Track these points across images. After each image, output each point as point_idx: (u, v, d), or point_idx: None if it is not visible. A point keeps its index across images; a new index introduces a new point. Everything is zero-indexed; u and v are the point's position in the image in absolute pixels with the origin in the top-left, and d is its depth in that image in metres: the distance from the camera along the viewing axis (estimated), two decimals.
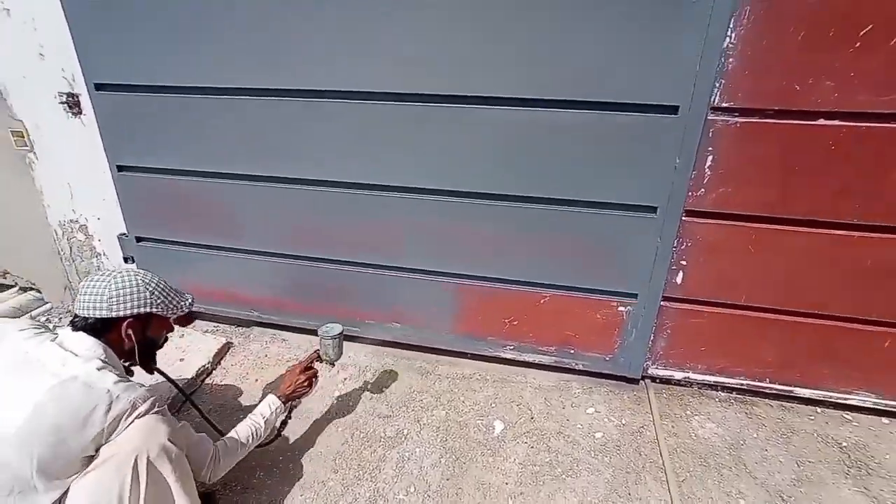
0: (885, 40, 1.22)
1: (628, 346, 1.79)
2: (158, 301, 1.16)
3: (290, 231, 1.92)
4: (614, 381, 1.89)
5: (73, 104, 1.96)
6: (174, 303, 1.21)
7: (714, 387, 1.84)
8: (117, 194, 2.02)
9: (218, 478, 1.25)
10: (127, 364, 1.19)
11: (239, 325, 2.23)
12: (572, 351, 1.85)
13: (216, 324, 2.25)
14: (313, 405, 1.78)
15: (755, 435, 1.66)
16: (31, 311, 2.35)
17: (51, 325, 1.19)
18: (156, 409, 1.06)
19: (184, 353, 1.98)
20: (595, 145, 1.51)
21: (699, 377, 1.82)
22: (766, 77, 1.34)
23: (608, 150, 1.51)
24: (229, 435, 1.32)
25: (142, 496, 0.99)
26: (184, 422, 1.18)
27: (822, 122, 1.36)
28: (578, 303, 1.75)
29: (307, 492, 1.45)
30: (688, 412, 1.76)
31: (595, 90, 1.44)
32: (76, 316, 1.11)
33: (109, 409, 0.98)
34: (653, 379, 1.88)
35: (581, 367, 1.88)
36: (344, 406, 1.78)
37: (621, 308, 1.73)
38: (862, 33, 1.23)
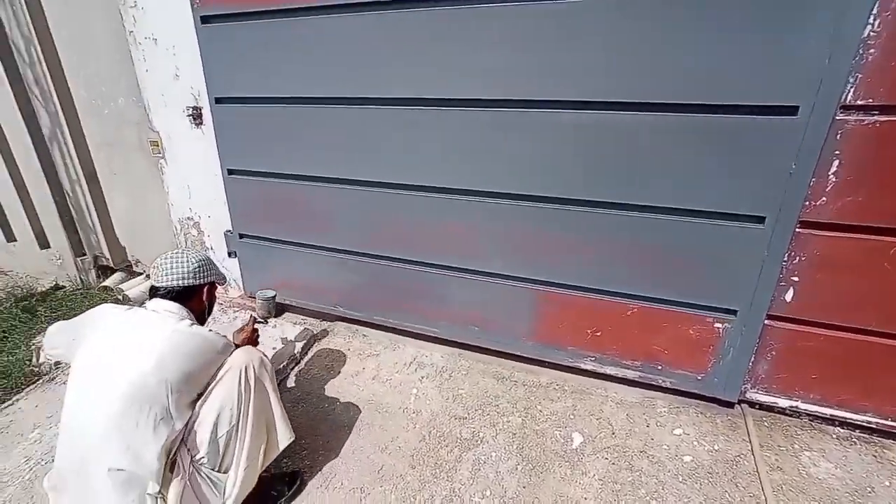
0: None
1: (724, 365, 1.65)
2: (216, 272, 1.41)
3: (375, 232, 2.01)
4: (705, 403, 1.75)
5: (196, 116, 2.23)
6: (222, 273, 1.46)
7: (831, 421, 1.63)
8: (226, 195, 2.26)
9: None
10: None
11: (324, 320, 2.38)
12: (659, 367, 1.74)
13: (304, 317, 2.42)
14: (392, 399, 1.85)
15: (887, 483, 1.45)
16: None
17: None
18: (229, 350, 1.30)
19: (276, 342, 2.16)
20: (700, 150, 1.42)
21: (811, 408, 1.62)
22: None
23: (712, 156, 1.41)
24: None
25: (252, 398, 1.25)
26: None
27: None
28: (669, 316, 1.65)
29: (386, 484, 1.51)
30: (796, 446, 1.58)
31: (702, 92, 1.35)
32: (157, 289, 1.31)
33: (216, 346, 1.24)
34: (751, 404, 1.71)
35: (668, 385, 1.76)
36: (421, 403, 1.83)
37: (717, 325, 1.60)
38: None
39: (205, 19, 1.90)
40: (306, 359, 2.13)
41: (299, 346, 2.16)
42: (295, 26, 1.76)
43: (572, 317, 1.79)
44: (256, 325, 1.71)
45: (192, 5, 1.89)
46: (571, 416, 1.73)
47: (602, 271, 1.68)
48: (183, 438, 1.17)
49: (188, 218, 2.54)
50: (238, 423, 1.23)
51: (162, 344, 1.15)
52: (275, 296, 2.12)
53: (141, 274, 2.85)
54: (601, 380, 1.88)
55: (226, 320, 2.36)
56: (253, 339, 1.64)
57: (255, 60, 1.89)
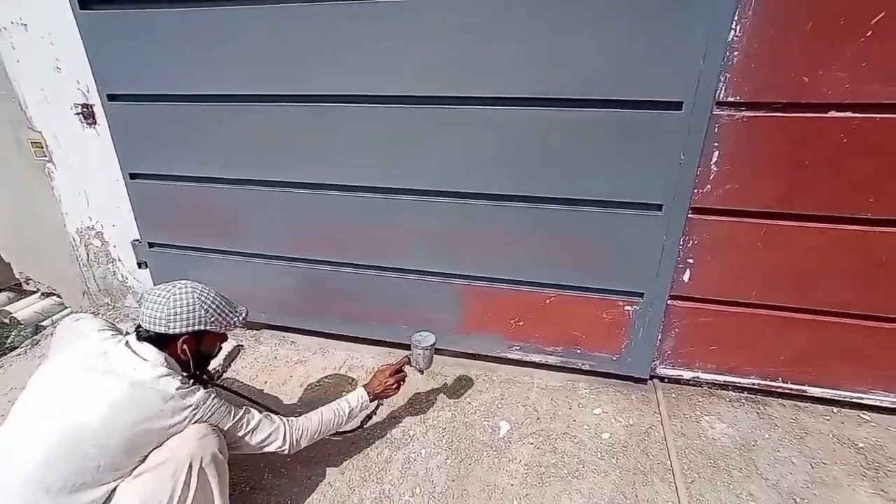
0: None
1: (636, 345, 1.77)
2: (213, 319, 1.19)
3: (297, 234, 1.94)
4: (622, 382, 1.88)
5: (87, 115, 2.02)
6: (227, 318, 1.25)
7: (725, 386, 1.81)
8: (130, 201, 2.08)
9: (297, 450, 1.34)
10: (184, 375, 1.23)
11: (249, 329, 2.27)
12: (579, 351, 1.84)
13: None
14: (321, 405, 1.80)
15: (767, 436, 1.63)
16: (52, 315, 2.44)
17: (122, 329, 1.28)
18: (214, 411, 1.16)
19: None
20: (599, 143, 1.50)
21: (709, 377, 1.78)
22: (774, 70, 1.31)
23: (612, 148, 1.50)
24: (309, 415, 1.40)
25: (189, 499, 1.09)
26: (245, 407, 1.28)
27: (833, 114, 1.32)
28: (584, 302, 1.74)
29: (314, 493, 1.47)
30: (697, 412, 1.73)
31: (598, 88, 1.43)
32: (139, 326, 1.18)
33: (174, 411, 1.09)
34: (661, 379, 1.86)
35: (588, 367, 1.86)
36: None
37: (627, 307, 1.71)
38: (874, 21, 1.19)
39: (84, 3, 1.71)
40: (230, 371, 2.02)
41: (220, 357, 2.04)
42: (195, 16, 1.63)
43: (496, 308, 1.84)
44: (405, 369, 1.56)
45: None
46: (499, 406, 1.79)
47: (521, 263, 1.74)
48: None
49: (88, 227, 2.31)
50: None
51: (110, 403, 1.03)
52: (434, 343, 1.56)
53: (34, 293, 2.55)
54: (528, 367, 1.95)
55: None
56: (395, 383, 1.52)
57: (152, 52, 1.74)
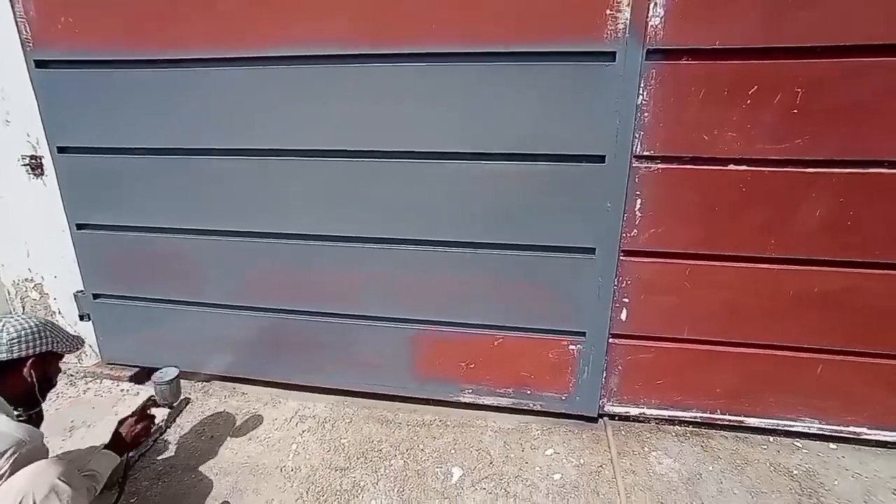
0: (769, 98, 1.39)
1: (582, 384, 1.82)
2: (57, 339, 1.19)
3: (247, 283, 1.94)
4: (574, 421, 1.91)
5: (35, 166, 2.01)
6: (69, 339, 1.24)
7: (671, 421, 1.87)
8: (75, 252, 2.03)
9: None
10: (20, 410, 1.18)
11: (197, 380, 2.18)
12: (529, 392, 1.88)
13: None
14: (269, 459, 1.74)
15: (711, 468, 1.68)
16: None
17: None
18: (38, 440, 1.09)
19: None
20: (534, 192, 1.63)
21: (655, 412, 1.85)
22: (678, 129, 1.49)
23: (546, 196, 1.63)
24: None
25: None
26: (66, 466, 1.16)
27: (731, 167, 1.50)
28: (530, 343, 1.80)
29: None
30: (645, 448, 1.78)
31: (531, 144, 1.58)
32: None
33: None
34: (610, 416, 1.90)
35: (539, 408, 1.89)
36: (300, 460, 1.74)
37: (572, 346, 1.78)
38: (751, 92, 1.39)
39: (40, 63, 1.77)
40: (174, 426, 1.92)
41: (165, 412, 1.94)
42: (146, 75, 1.71)
43: (447, 352, 1.87)
44: (153, 411, 1.52)
45: (23, 48, 1.76)
46: (452, 451, 1.77)
47: (469, 306, 1.80)
48: None
49: (26, 280, 2.22)
50: None
51: None
52: (178, 375, 1.64)
53: None
54: (481, 410, 1.95)
55: (71, 394, 2.04)
56: (143, 429, 1.44)
57: (103, 108, 1.79)
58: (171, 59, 1.69)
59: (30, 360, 1.15)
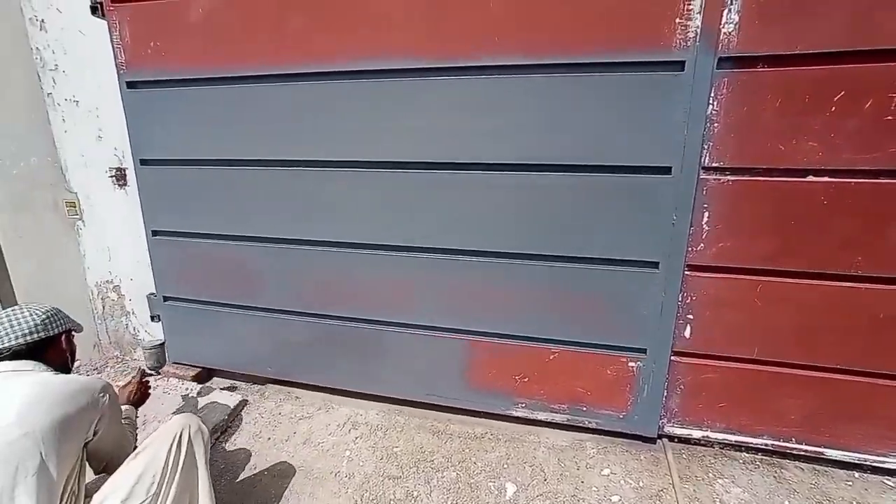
0: (858, 104, 1.30)
1: (641, 402, 1.75)
2: (71, 320, 1.34)
3: (304, 290, 2.01)
4: (630, 441, 1.83)
5: (120, 177, 2.19)
6: (77, 323, 1.38)
7: (737, 447, 1.76)
8: (150, 256, 2.18)
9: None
10: None
11: (255, 383, 2.27)
12: (584, 409, 1.82)
13: (233, 381, 2.30)
14: (324, 464, 1.77)
15: (786, 502, 1.56)
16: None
17: None
18: (112, 391, 1.25)
19: (202, 412, 2.02)
20: (597, 204, 1.59)
21: (719, 436, 1.74)
22: (751, 139, 1.42)
23: (609, 208, 1.59)
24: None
25: (180, 467, 1.22)
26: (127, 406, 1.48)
27: (811, 178, 1.41)
28: (588, 358, 1.75)
29: None
30: (710, 475, 1.67)
31: (596, 155, 1.55)
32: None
33: (91, 387, 1.17)
34: (670, 438, 1.81)
35: (594, 426, 1.83)
36: (354, 466, 1.76)
37: (631, 363, 1.72)
38: (836, 98, 1.31)
39: (131, 84, 1.93)
40: (234, 426, 2.00)
41: (226, 413, 2.03)
42: (221, 93, 1.83)
43: (501, 364, 1.85)
44: (146, 378, 1.67)
45: (117, 71, 1.92)
46: (505, 466, 1.74)
47: (525, 318, 1.77)
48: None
49: (107, 281, 2.41)
50: (159, 493, 1.16)
51: (21, 398, 1.05)
52: (163, 343, 2.00)
53: None
54: (533, 426, 1.91)
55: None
56: (143, 393, 1.61)
57: (182, 123, 1.93)
58: (242, 75, 1.80)
59: (63, 335, 1.28)
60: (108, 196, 2.23)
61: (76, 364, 1.42)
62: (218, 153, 1.93)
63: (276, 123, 1.81)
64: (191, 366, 2.31)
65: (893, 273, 1.42)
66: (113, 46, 1.89)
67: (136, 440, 1.47)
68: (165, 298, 2.24)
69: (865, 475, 1.65)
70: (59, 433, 1.06)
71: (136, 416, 1.59)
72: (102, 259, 2.36)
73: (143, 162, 2.05)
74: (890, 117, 1.30)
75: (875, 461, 1.62)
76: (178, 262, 2.16)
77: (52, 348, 1.25)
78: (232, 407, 2.06)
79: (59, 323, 1.27)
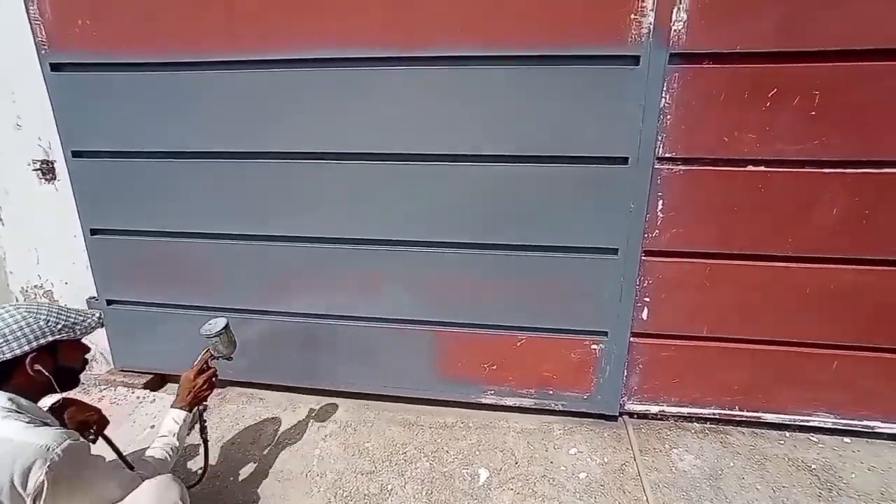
0: (788, 101, 1.43)
1: (604, 383, 1.84)
2: (58, 325, 1.06)
3: (263, 287, 1.93)
4: (594, 420, 1.93)
5: (47, 170, 1.98)
6: (76, 320, 1.11)
7: (689, 418, 1.90)
8: (89, 257, 2.00)
9: None
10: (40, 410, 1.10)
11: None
12: (551, 392, 1.89)
13: None
14: (293, 465, 1.72)
15: (731, 464, 1.71)
16: None
17: None
18: (69, 446, 0.97)
19: (155, 420, 1.90)
20: (558, 194, 1.65)
21: (674, 410, 1.87)
22: (699, 131, 1.52)
23: (570, 199, 1.65)
24: (145, 458, 1.27)
25: None
26: (98, 456, 1.10)
27: (750, 167, 1.54)
28: (553, 343, 1.82)
29: None
30: (666, 446, 1.80)
31: (556, 146, 1.59)
32: None
33: (14, 459, 0.90)
34: (630, 415, 1.93)
35: (561, 408, 1.91)
36: (325, 465, 1.73)
37: (594, 346, 1.80)
38: (770, 94, 1.44)
39: (55, 67, 1.74)
40: (192, 432, 1.89)
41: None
42: (165, 78, 1.70)
43: (469, 353, 1.88)
44: (212, 364, 1.50)
45: (38, 51, 1.73)
46: (477, 452, 1.78)
47: (492, 307, 1.81)
48: None
49: (36, 286, 2.18)
50: None
51: None
52: (227, 324, 1.52)
53: None
54: (503, 412, 1.96)
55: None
56: (205, 383, 1.46)
57: (123, 112, 1.77)
58: (189, 61, 1.68)
59: (28, 358, 1.01)
60: (33, 191, 2.01)
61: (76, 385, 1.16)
62: (163, 144, 1.80)
63: (230, 113, 1.71)
64: (141, 372, 2.16)
65: (817, 253, 1.58)
66: (31, 22, 1.69)
67: (162, 468, 1.26)
68: (109, 302, 2.06)
69: (794, 434, 1.84)
70: None
71: (188, 422, 1.42)
72: (29, 261, 2.13)
73: (76, 154, 1.87)
74: (814, 112, 1.44)
75: (801, 420, 1.81)
76: (121, 263, 2.00)
77: (16, 374, 1.01)
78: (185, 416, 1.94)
79: (28, 336, 1.01)
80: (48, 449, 0.93)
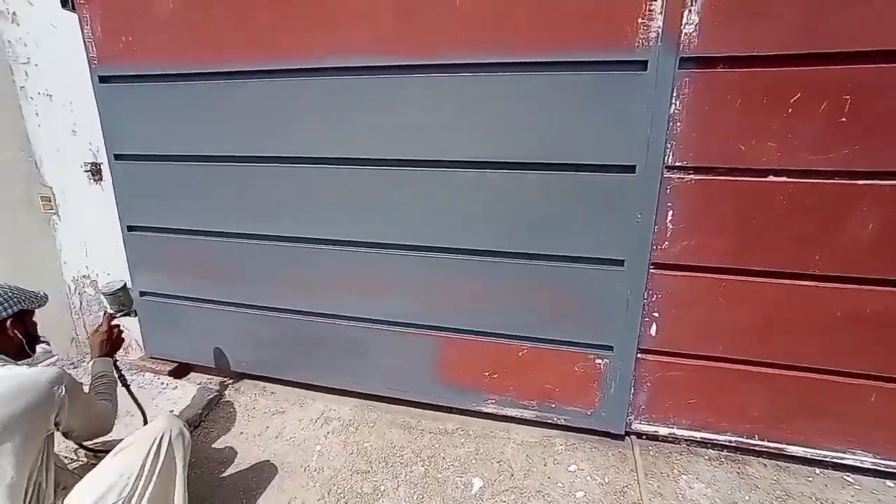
0: (814, 106, 1.32)
1: (609, 399, 1.77)
2: (22, 298, 1.30)
3: (279, 286, 2.02)
4: (599, 437, 1.85)
5: (95, 172, 2.19)
6: (33, 296, 1.35)
7: (703, 444, 1.78)
8: (125, 251, 2.18)
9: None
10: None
11: (230, 378, 2.28)
12: (553, 405, 1.84)
13: (209, 376, 2.30)
14: (294, 458, 1.78)
15: (748, 497, 1.58)
16: (40, 363, 2.46)
17: None
18: (68, 374, 1.22)
19: (174, 405, 2.03)
20: (564, 203, 1.61)
21: (685, 433, 1.76)
22: (712, 138, 1.44)
23: (575, 207, 1.60)
24: (103, 402, 1.46)
25: (157, 472, 1.23)
26: (84, 391, 1.33)
27: (771, 178, 1.43)
28: (556, 355, 1.77)
29: None
30: (675, 471, 1.69)
31: (562, 153, 1.56)
32: None
33: (37, 379, 1.14)
34: (638, 435, 1.83)
35: (563, 422, 1.85)
36: (324, 460, 1.78)
37: (598, 360, 1.74)
38: (793, 100, 1.33)
39: (103, 79, 1.93)
40: (207, 421, 2.01)
41: (200, 407, 2.04)
42: (193, 88, 1.83)
43: (471, 360, 1.87)
44: (115, 323, 1.66)
45: (90, 65, 1.92)
46: (473, 461, 1.76)
47: (495, 314, 1.79)
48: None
49: (84, 276, 2.41)
50: (132, 496, 1.17)
51: None
52: (124, 285, 1.87)
53: None
54: (504, 422, 1.93)
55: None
56: (115, 337, 1.62)
57: (157, 119, 1.92)
58: (213, 71, 1.80)
59: (8, 321, 1.24)
60: (84, 191, 2.23)
61: (42, 347, 1.40)
62: (191, 149, 1.94)
63: (248, 119, 1.82)
64: (167, 360, 2.31)
65: (849, 272, 1.44)
66: (84, 40, 1.89)
67: (116, 399, 1.51)
68: (142, 293, 2.24)
69: (826, 471, 1.67)
70: (5, 432, 1.05)
71: (116, 368, 1.60)
72: (79, 254, 2.36)
73: (117, 157, 2.05)
74: (844, 119, 1.32)
75: (835, 457, 1.64)
76: (153, 257, 2.16)
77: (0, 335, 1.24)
78: (206, 401, 2.07)
79: (5, 304, 1.23)
80: (59, 374, 1.19)
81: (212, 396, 2.12)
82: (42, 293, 1.40)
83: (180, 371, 2.30)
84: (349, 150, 1.75)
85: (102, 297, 1.76)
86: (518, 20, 1.48)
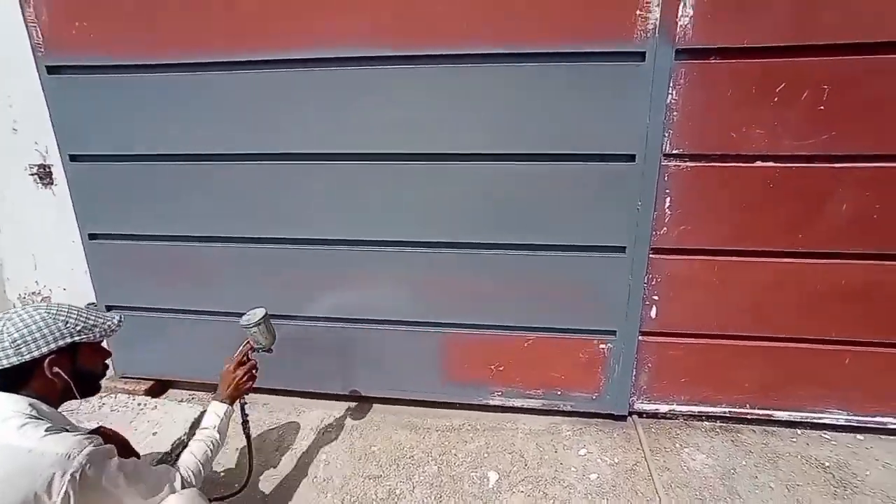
0: (797, 95, 1.42)
1: (613, 382, 1.82)
2: (78, 327, 1.03)
3: (266, 290, 1.90)
4: (603, 420, 1.90)
5: (44, 175, 1.95)
6: (97, 321, 1.08)
7: (699, 417, 1.88)
8: (87, 263, 1.97)
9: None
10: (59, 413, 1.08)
11: (214, 392, 2.12)
12: (559, 392, 1.87)
13: (192, 392, 2.14)
14: (298, 471, 1.70)
15: (744, 462, 1.69)
16: None
17: None
18: (91, 452, 0.95)
19: (157, 427, 1.86)
20: (565, 192, 1.63)
21: (684, 409, 1.85)
22: (706, 127, 1.51)
23: (577, 197, 1.63)
24: (185, 457, 1.25)
25: None
26: (126, 460, 1.07)
27: (759, 163, 1.53)
28: (561, 343, 1.79)
29: None
30: (677, 445, 1.78)
31: (563, 143, 1.57)
32: None
33: (35, 470, 0.88)
34: (640, 414, 1.90)
35: (569, 408, 1.88)
36: (331, 470, 1.70)
37: (602, 346, 1.78)
38: (778, 89, 1.42)
39: (52, 70, 1.72)
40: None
41: (186, 427, 1.88)
42: (163, 80, 1.67)
43: (476, 355, 1.86)
44: (251, 356, 1.47)
45: (34, 54, 1.70)
46: (486, 455, 1.75)
47: (498, 308, 1.78)
48: None
49: (34, 293, 2.15)
50: None
51: None
52: (266, 314, 1.46)
53: None
54: (511, 413, 1.94)
55: (86, 410, 1.97)
56: (244, 374, 1.43)
57: (119, 115, 1.74)
58: (188, 62, 1.65)
59: (46, 360, 0.98)
60: (31, 197, 1.99)
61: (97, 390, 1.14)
62: (162, 147, 1.77)
63: (229, 114, 1.69)
64: (142, 379, 2.12)
65: (827, 248, 1.57)
66: (26, 24, 1.66)
67: (209, 464, 1.28)
68: (108, 308, 2.03)
69: (806, 431, 1.83)
70: None
71: (241, 411, 1.44)
72: (26, 267, 2.10)
73: (73, 158, 1.83)
74: (822, 107, 1.43)
75: (814, 418, 1.80)
76: (119, 268, 1.97)
77: (35, 377, 0.98)
78: (192, 420, 1.91)
79: (47, 337, 0.97)
80: (69, 457, 0.91)
81: (197, 414, 1.96)
82: (113, 319, 1.13)
83: (157, 389, 2.12)
84: (342, 144, 1.68)
85: (248, 331, 1.43)
86: (516, 11, 1.47)
